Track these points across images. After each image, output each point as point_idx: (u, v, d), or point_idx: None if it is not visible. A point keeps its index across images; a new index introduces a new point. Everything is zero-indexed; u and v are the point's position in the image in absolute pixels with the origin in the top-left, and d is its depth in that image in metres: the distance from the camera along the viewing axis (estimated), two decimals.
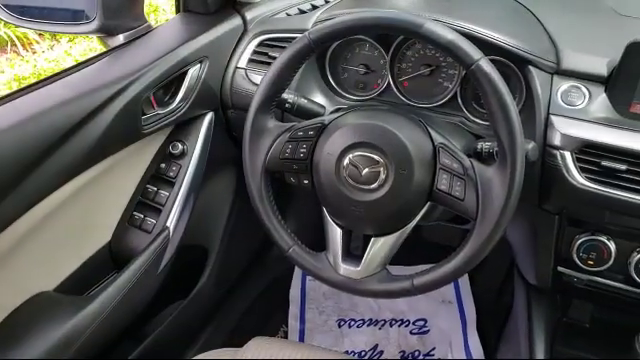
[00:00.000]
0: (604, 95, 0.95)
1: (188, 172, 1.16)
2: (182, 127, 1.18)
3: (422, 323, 1.76)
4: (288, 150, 0.92)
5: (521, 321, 1.21)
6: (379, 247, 0.91)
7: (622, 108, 0.94)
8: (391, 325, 1.77)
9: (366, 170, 0.86)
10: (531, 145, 0.90)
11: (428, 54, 1.11)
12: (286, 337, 1.75)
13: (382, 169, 0.86)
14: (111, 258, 1.13)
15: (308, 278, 1.89)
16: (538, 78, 0.97)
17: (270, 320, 1.77)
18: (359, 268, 0.91)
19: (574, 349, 1.16)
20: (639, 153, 0.90)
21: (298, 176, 0.94)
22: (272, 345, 0.98)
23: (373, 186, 0.86)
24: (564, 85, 0.97)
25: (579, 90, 0.96)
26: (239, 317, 1.65)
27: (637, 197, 0.90)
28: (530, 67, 0.98)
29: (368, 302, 1.82)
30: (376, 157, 0.86)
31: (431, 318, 1.77)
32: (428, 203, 0.89)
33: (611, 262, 0.99)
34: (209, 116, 1.20)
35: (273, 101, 0.93)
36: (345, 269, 0.92)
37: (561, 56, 0.98)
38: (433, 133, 0.88)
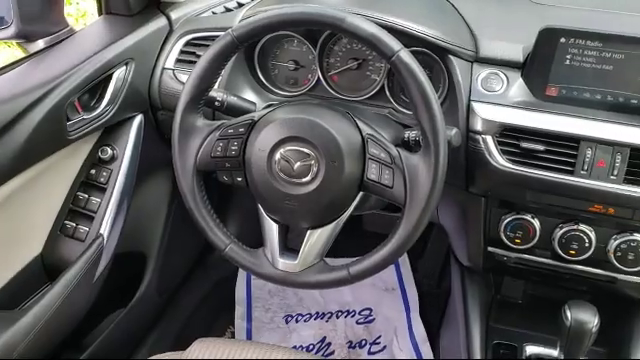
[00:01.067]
0: (521, 80, 0.99)
1: (119, 177, 1.13)
2: (111, 131, 1.15)
3: (367, 312, 1.80)
4: (219, 148, 0.92)
5: (458, 302, 1.25)
6: (315, 239, 0.92)
7: (538, 91, 0.98)
8: (337, 317, 1.79)
9: (298, 164, 0.87)
10: (454, 131, 0.94)
11: (355, 48, 1.13)
12: (233, 337, 1.74)
13: (313, 162, 0.87)
14: (44, 269, 1.10)
15: (253, 277, 1.88)
16: (458, 67, 1.01)
17: (216, 322, 1.76)
18: (296, 261, 0.92)
19: (508, 324, 1.21)
20: (555, 134, 0.95)
21: (231, 174, 0.94)
22: (216, 345, 0.98)
23: (305, 179, 0.87)
24: (483, 72, 1.01)
25: (497, 76, 1.00)
26: (184, 321, 1.64)
27: (554, 175, 0.95)
28: (450, 56, 1.01)
29: (314, 296, 1.84)
30: (307, 150, 0.87)
31: (376, 307, 1.80)
32: (360, 193, 0.90)
33: (536, 239, 1.04)
34: (138, 119, 1.18)
35: (200, 100, 0.93)
36: (283, 263, 0.92)
37: (479, 45, 1.03)
38: (361, 124, 0.90)
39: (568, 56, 0.95)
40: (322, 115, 0.89)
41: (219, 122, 0.94)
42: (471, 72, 1.02)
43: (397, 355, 1.66)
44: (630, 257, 0.99)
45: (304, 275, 0.92)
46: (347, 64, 1.13)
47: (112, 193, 1.12)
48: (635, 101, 0.94)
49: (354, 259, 0.91)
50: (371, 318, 1.78)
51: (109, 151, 1.14)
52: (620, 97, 0.95)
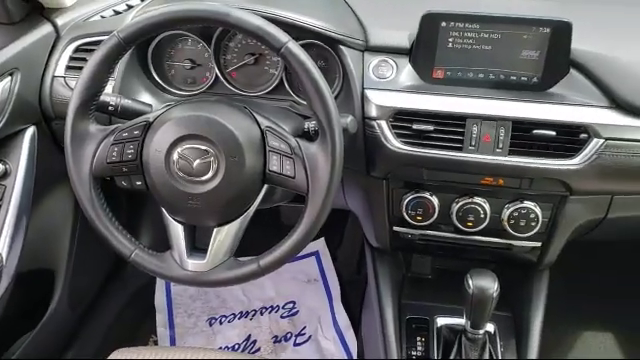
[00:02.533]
0: (409, 65, 1.04)
1: (15, 193, 1.08)
2: (1, 146, 1.10)
3: (291, 305, 1.82)
4: (114, 153, 0.90)
5: (372, 284, 1.29)
6: (224, 236, 0.92)
7: (426, 75, 1.03)
8: (262, 313, 1.80)
9: (197, 162, 0.87)
10: (349, 119, 0.97)
11: (250, 43, 1.14)
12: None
13: (213, 159, 0.87)
14: None
15: (173, 283, 1.85)
16: (350, 56, 1.04)
17: (138, 332, 1.73)
18: (205, 260, 0.91)
19: (419, 299, 1.26)
20: (443, 114, 1.00)
21: (130, 179, 0.93)
22: (136, 353, 0.96)
23: (206, 177, 0.87)
24: (374, 60, 1.05)
25: (387, 63, 1.05)
26: (103, 335, 1.59)
27: (446, 153, 1.00)
28: (341, 47, 1.04)
29: (237, 296, 1.84)
30: (205, 147, 0.87)
31: (299, 299, 1.83)
32: (265, 186, 0.92)
33: (436, 215, 1.09)
34: (30, 130, 1.13)
35: (91, 105, 0.90)
36: (192, 264, 0.92)
37: (368, 34, 1.06)
38: (259, 118, 0.91)
39: (450, 39, 1.00)
40: (218, 111, 0.89)
41: (113, 126, 0.92)
42: (363, 61, 1.05)
43: (322, 344, 1.69)
44: (522, 224, 1.06)
45: (214, 273, 0.91)
46: (244, 60, 1.14)
47: (8, 210, 1.07)
48: (514, 77, 1.01)
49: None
50: (295, 311, 1.80)
51: (0, 167, 1.08)
52: (501, 74, 1.01)
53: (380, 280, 1.26)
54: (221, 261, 0.92)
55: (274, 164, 0.88)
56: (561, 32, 0.96)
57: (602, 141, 0.96)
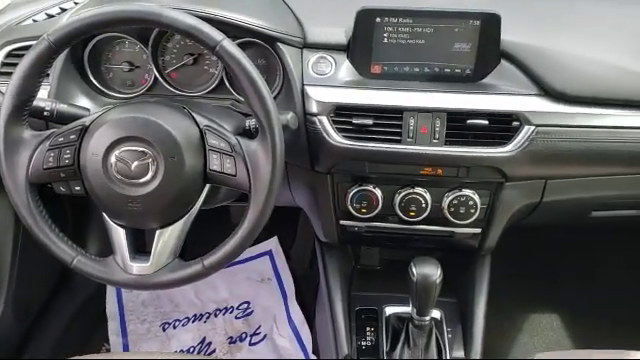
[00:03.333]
0: (347, 61, 1.06)
1: None
2: None
3: (246, 306, 1.81)
4: (51, 159, 0.88)
5: (322, 278, 1.31)
6: (167, 238, 0.91)
7: (364, 70, 1.05)
8: (216, 315, 1.79)
9: (135, 164, 0.86)
10: (289, 115, 0.98)
11: (189, 43, 1.14)
12: None
13: (151, 160, 0.86)
14: None
15: (124, 290, 1.82)
16: (288, 54, 1.05)
17: (89, 342, 1.69)
18: (149, 263, 0.91)
19: (368, 290, 1.28)
20: (381, 108, 1.02)
21: (68, 184, 0.91)
22: None
23: (146, 179, 0.87)
24: (313, 57, 1.06)
25: (326, 60, 1.06)
26: (53, 346, 1.55)
27: (385, 145, 1.03)
28: (279, 44, 1.05)
29: (190, 299, 1.83)
30: (143, 149, 0.86)
31: (254, 299, 1.83)
32: (207, 185, 0.91)
33: (380, 207, 1.11)
34: None
35: (24, 111, 0.88)
36: (136, 267, 0.91)
37: (306, 31, 1.07)
38: (198, 117, 0.91)
39: (385, 34, 1.02)
40: (155, 112, 0.89)
41: (49, 132, 0.90)
42: (301, 58, 1.06)
43: (278, 342, 1.69)
44: (461, 211, 1.10)
45: (158, 276, 0.91)
46: (183, 60, 1.13)
47: None
48: (448, 70, 1.04)
49: None
50: (250, 311, 1.80)
51: None
52: (435, 67, 1.04)
53: (329, 274, 1.28)
54: (165, 263, 0.91)
55: (214, 163, 0.88)
56: (490, 24, 0.99)
57: (533, 128, 1.00)
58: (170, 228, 0.91)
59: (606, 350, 1.06)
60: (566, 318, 1.75)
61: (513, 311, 1.75)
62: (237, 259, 1.89)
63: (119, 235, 0.92)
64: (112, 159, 0.86)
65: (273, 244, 1.94)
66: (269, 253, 1.93)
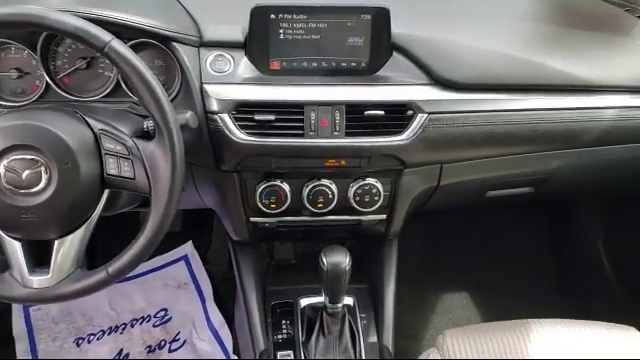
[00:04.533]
0: (246, 58, 1.06)
1: None
2: None
3: (163, 313, 1.78)
4: None
5: (236, 277, 1.31)
6: (67, 248, 0.88)
7: (263, 67, 1.06)
8: (132, 326, 1.74)
9: (26, 173, 0.82)
10: (188, 114, 0.97)
11: (80, 47, 1.10)
12: None
13: (43, 168, 0.83)
14: None
15: (32, 309, 1.74)
16: (185, 53, 1.04)
17: None
18: (50, 275, 0.87)
19: (283, 285, 1.30)
20: (281, 103, 1.03)
21: None
22: None
23: (38, 188, 0.83)
24: (210, 55, 1.06)
25: (224, 57, 1.06)
26: None
27: (289, 140, 1.04)
28: (175, 44, 1.04)
29: (105, 311, 1.77)
30: (33, 157, 0.82)
31: (171, 305, 1.80)
32: (106, 191, 0.89)
33: (289, 201, 1.13)
34: None
35: None
36: (36, 280, 0.87)
37: (202, 30, 1.07)
38: (92, 121, 0.88)
39: (281, 30, 1.04)
40: (45, 118, 0.85)
41: None
42: (199, 56, 1.06)
43: (198, 345, 1.68)
44: (366, 199, 1.13)
45: (61, 287, 0.87)
46: (75, 64, 1.09)
47: None
48: (344, 64, 1.07)
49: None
50: (167, 318, 1.77)
51: None
52: (332, 62, 1.07)
53: (243, 272, 1.28)
54: (67, 273, 0.88)
55: (111, 167, 0.86)
56: (381, 18, 1.03)
57: (426, 116, 1.05)
58: (70, 237, 0.88)
59: (508, 321, 1.13)
60: (474, 295, 1.85)
61: (424, 293, 1.84)
62: (152, 266, 1.88)
63: (14, 249, 0.88)
64: (0, 169, 0.82)
65: (188, 249, 1.91)
66: (184, 258, 1.91)
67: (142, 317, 1.77)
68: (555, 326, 1.10)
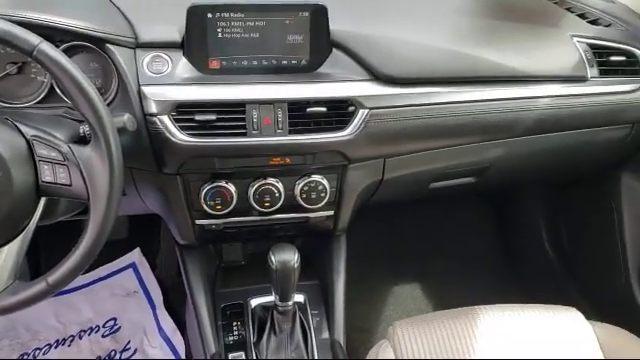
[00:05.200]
0: (184, 58, 1.05)
1: None
2: None
3: (112, 323, 1.74)
4: None
5: (185, 281, 1.29)
6: (3, 259, 0.85)
7: (201, 66, 1.05)
8: (80, 337, 1.69)
9: None
10: (125, 117, 0.95)
11: (10, 52, 1.05)
12: None
13: None
14: None
15: None
16: (120, 55, 1.02)
17: None
18: None
19: (234, 286, 1.29)
20: (222, 103, 1.02)
21: None
22: None
23: None
24: (147, 56, 1.03)
25: (162, 58, 1.04)
26: None
27: (232, 140, 1.03)
28: (109, 46, 1.01)
29: (51, 324, 1.71)
30: None
31: (120, 314, 1.76)
32: (42, 199, 0.86)
33: (235, 202, 1.12)
34: None
35: None
36: None
37: (137, 31, 1.04)
38: (24, 128, 0.85)
39: (219, 29, 1.02)
40: None
41: None
42: (135, 58, 1.03)
43: (150, 353, 1.64)
44: (313, 196, 1.14)
45: None
46: (6, 70, 1.05)
47: None
48: (285, 62, 1.07)
49: None
50: (117, 327, 1.73)
51: None
52: (272, 60, 1.07)
53: (191, 276, 1.26)
54: (5, 286, 0.85)
55: (46, 174, 0.83)
56: (319, 15, 1.03)
57: (367, 111, 1.06)
58: (5, 249, 0.85)
59: (455, 309, 1.16)
60: (424, 286, 1.89)
61: (375, 286, 1.86)
62: (99, 276, 1.83)
63: None
64: None
65: (136, 256, 1.87)
66: (132, 266, 1.87)
67: (90, 328, 1.72)
68: (501, 311, 1.14)
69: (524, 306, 1.15)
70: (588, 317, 1.14)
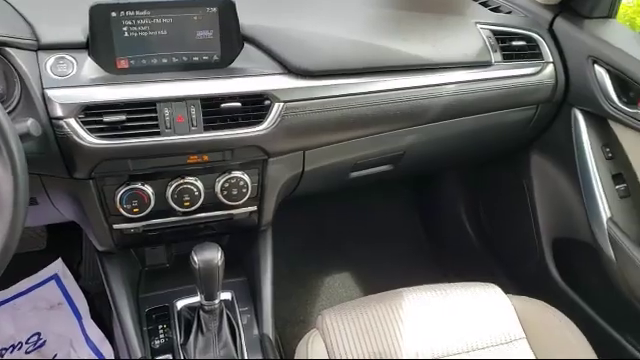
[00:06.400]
0: (90, 59, 1.01)
1: None
2: None
3: (36, 338, 1.67)
4: None
5: (107, 288, 1.25)
6: None
7: (109, 67, 1.02)
8: (2, 356, 1.61)
9: None
10: (29, 122, 0.91)
11: None
12: None
13: None
14: None
15: None
16: (20, 58, 0.97)
17: None
18: None
19: (158, 289, 1.26)
20: (132, 102, 1.00)
21: None
22: None
23: None
24: (50, 59, 1.00)
25: (66, 60, 1.00)
26: None
27: (144, 139, 1.01)
28: (9, 49, 0.97)
29: None
30: None
31: (44, 328, 1.69)
32: None
33: (153, 203, 1.09)
34: None
35: None
36: None
37: (38, 33, 1.00)
38: None
39: (124, 28, 1.00)
40: None
41: None
42: (37, 61, 0.99)
43: None
44: (234, 193, 1.13)
45: None
46: None
47: None
48: (196, 58, 1.06)
49: None
50: (42, 342, 1.66)
51: None
52: (183, 57, 1.05)
53: (113, 283, 1.23)
54: None
55: None
56: (227, 10, 1.03)
57: (282, 105, 1.07)
58: None
59: (381, 293, 1.20)
60: (353, 274, 1.93)
61: (306, 278, 1.88)
62: (19, 290, 1.75)
63: None
64: None
65: (58, 266, 1.80)
66: (55, 277, 1.79)
67: (12, 345, 1.64)
68: (425, 291, 1.18)
69: (447, 285, 1.20)
70: (507, 291, 1.20)
